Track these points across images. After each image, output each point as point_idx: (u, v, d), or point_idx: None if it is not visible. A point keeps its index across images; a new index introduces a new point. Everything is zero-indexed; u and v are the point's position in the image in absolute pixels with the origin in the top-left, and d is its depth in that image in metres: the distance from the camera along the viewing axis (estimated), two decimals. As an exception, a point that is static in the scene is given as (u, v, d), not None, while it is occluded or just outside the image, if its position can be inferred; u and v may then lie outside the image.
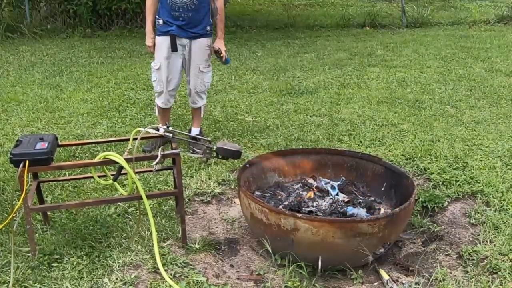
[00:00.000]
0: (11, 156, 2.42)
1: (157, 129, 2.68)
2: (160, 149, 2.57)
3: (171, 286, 2.35)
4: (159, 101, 4.00)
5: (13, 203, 2.83)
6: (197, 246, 2.72)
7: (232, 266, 2.70)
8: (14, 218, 2.84)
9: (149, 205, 2.55)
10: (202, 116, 4.24)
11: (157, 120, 4.42)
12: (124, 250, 2.63)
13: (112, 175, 2.65)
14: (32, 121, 4.71)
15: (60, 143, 2.75)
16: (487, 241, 2.75)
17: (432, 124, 4.55)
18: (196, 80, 3.94)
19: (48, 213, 2.94)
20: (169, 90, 3.93)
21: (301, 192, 3.03)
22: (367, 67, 6.79)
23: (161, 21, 3.81)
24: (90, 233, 2.80)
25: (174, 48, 3.80)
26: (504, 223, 2.88)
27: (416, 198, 3.04)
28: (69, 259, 2.54)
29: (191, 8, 3.73)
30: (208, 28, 3.89)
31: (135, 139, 2.64)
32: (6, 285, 2.34)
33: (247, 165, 3.03)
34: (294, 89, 5.75)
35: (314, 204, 2.89)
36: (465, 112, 4.87)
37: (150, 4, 3.87)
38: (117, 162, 2.49)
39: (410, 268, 2.63)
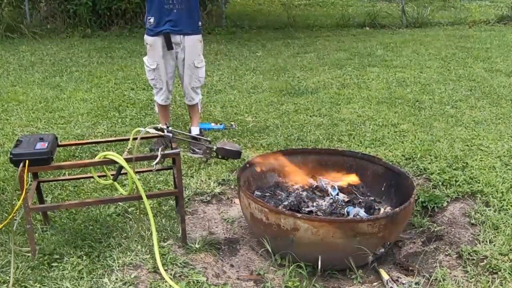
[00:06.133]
0: (11, 156, 2.42)
1: (159, 129, 2.68)
2: (159, 149, 2.57)
3: (171, 286, 2.35)
4: (159, 99, 4.02)
5: (13, 203, 2.83)
6: (197, 246, 2.72)
7: (232, 266, 2.70)
8: (14, 218, 2.84)
9: (149, 205, 2.55)
10: (200, 112, 4.24)
11: (157, 120, 4.42)
12: (124, 250, 2.63)
13: (112, 175, 2.65)
14: (32, 121, 4.71)
15: (60, 143, 2.75)
16: (487, 241, 2.75)
17: (432, 124, 4.55)
18: (191, 76, 3.96)
19: (48, 213, 2.94)
20: (168, 87, 3.98)
21: (301, 192, 3.03)
22: (367, 67, 6.79)
23: (152, 20, 3.80)
24: (90, 233, 2.80)
25: (169, 46, 3.82)
26: (504, 223, 2.88)
27: (416, 198, 3.04)
28: (69, 259, 2.54)
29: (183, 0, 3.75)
30: (200, 23, 3.94)
31: (135, 139, 2.64)
32: (6, 285, 2.34)
33: (247, 165, 3.04)
34: (294, 89, 5.75)
35: (314, 204, 2.89)
36: (465, 112, 4.87)
37: None
38: (117, 162, 2.49)
39: (410, 268, 2.63)
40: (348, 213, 2.77)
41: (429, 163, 3.64)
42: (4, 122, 4.70)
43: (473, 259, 2.62)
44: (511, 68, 6.54)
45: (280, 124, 4.62)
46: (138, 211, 2.93)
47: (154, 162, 2.53)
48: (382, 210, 2.89)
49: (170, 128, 2.72)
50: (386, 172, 3.05)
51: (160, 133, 2.67)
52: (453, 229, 2.93)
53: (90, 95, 5.55)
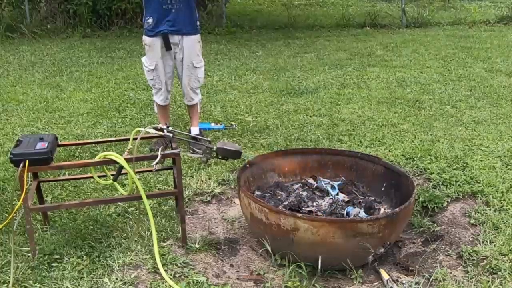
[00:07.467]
0: (11, 156, 2.42)
1: (159, 129, 2.68)
2: (159, 149, 2.57)
3: (171, 286, 2.35)
4: (159, 99, 4.02)
5: (13, 203, 2.83)
6: (197, 246, 2.72)
7: (232, 266, 2.70)
8: (14, 218, 2.83)
9: (149, 205, 2.55)
10: (199, 112, 4.24)
11: (157, 120, 4.42)
12: (124, 250, 2.63)
13: (112, 175, 2.65)
14: (32, 121, 4.71)
15: (60, 143, 2.75)
16: (487, 241, 2.75)
17: (432, 124, 4.54)
18: (190, 76, 3.96)
19: (48, 213, 2.94)
20: (167, 87, 3.99)
21: (301, 192, 3.03)
22: (367, 67, 6.79)
23: (150, 20, 3.80)
24: (90, 233, 2.80)
25: (168, 47, 3.82)
26: (504, 223, 2.88)
27: (416, 198, 3.04)
28: (69, 259, 2.54)
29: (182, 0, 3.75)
30: (198, 23, 3.93)
31: (135, 139, 2.64)
32: (6, 285, 2.34)
33: (247, 165, 3.03)
34: (294, 89, 5.75)
35: (314, 204, 2.89)
36: (465, 112, 4.87)
37: None
38: (117, 162, 2.49)
39: (410, 268, 2.63)
40: (348, 213, 2.77)
41: (429, 163, 3.64)
42: (4, 122, 4.70)
43: (473, 259, 2.62)
44: (511, 68, 6.53)
45: (280, 124, 4.62)
46: (138, 211, 2.93)
47: (154, 162, 2.53)
48: (382, 210, 2.89)
49: (170, 128, 2.72)
50: (386, 172, 3.05)
51: (160, 133, 2.67)
52: (453, 229, 2.93)
53: (90, 95, 5.55)
